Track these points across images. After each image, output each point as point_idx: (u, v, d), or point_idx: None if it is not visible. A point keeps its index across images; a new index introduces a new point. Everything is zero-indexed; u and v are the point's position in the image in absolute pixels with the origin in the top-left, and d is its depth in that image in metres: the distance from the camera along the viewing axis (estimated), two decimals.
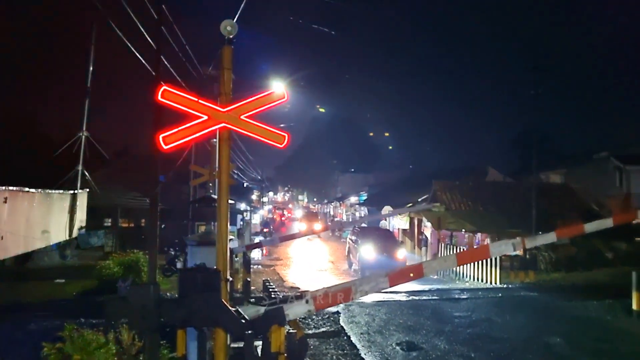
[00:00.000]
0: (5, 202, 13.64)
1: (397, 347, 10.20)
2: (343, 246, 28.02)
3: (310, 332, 10.95)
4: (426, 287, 17.92)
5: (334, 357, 9.41)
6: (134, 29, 10.04)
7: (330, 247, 33.56)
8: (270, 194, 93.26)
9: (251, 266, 16.06)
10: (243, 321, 4.58)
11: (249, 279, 12.94)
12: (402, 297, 15.47)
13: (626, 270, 14.69)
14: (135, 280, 13.73)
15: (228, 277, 5.63)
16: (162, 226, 17.37)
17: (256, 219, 44.11)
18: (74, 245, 22.54)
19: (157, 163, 11.07)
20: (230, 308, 4.71)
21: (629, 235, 21.68)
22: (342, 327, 11.65)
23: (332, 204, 72.82)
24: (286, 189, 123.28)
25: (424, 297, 15.75)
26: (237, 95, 5.96)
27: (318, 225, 43.09)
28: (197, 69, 15.34)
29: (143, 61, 10.81)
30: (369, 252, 21.72)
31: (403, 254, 23.09)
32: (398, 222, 34.21)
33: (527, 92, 23.92)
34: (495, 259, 19.38)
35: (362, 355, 9.60)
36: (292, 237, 18.66)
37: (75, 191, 17.81)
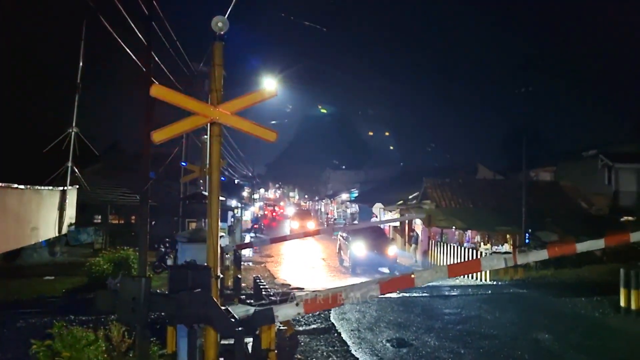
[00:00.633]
0: None
1: (388, 344, 10.24)
2: (334, 243, 28.04)
3: (300, 328, 10.97)
4: None
5: (325, 353, 9.43)
6: (124, 25, 9.98)
7: (321, 244, 33.58)
8: (262, 190, 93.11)
9: (242, 263, 16.03)
10: (232, 320, 4.58)
11: (239, 276, 12.89)
12: (393, 294, 15.52)
13: (614, 268, 14.82)
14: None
15: (219, 274, 5.62)
16: (153, 223, 17.27)
17: (247, 215, 44.03)
18: (64, 242, 22.41)
19: (147, 160, 11.02)
20: (219, 306, 4.70)
21: (617, 232, 21.84)
22: (332, 323, 11.68)
23: (324, 201, 72.82)
24: (277, 185, 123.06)
25: (415, 294, 15.81)
26: (228, 92, 5.95)
27: (312, 224, 42.62)
28: (189, 65, 15.28)
29: (134, 57, 10.75)
30: (359, 248, 21.75)
31: (394, 251, 23.15)
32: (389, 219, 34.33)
33: (518, 90, 24.02)
34: (485, 256, 19.48)
35: (353, 351, 9.63)
36: (284, 238, 18.41)
37: (65, 187, 17.66)
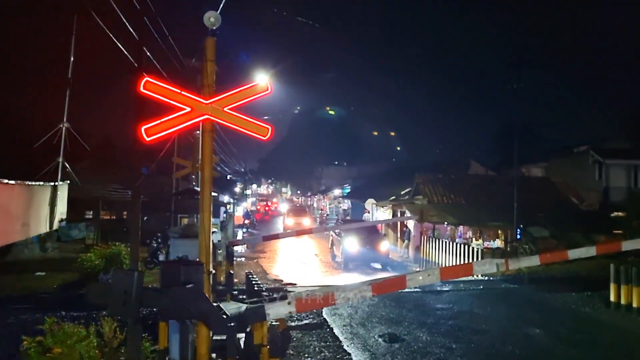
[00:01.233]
0: None
1: (380, 339, 10.29)
2: (326, 238, 28.06)
3: (293, 324, 10.99)
4: None
5: (317, 349, 9.46)
6: (116, 19, 9.92)
7: (313, 239, 33.58)
8: (254, 186, 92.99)
9: (234, 258, 16.02)
10: (224, 317, 4.58)
11: (231, 272, 12.89)
12: None
13: (604, 263, 14.93)
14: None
15: (211, 269, 5.63)
16: (144, 218, 17.22)
17: (239, 211, 43.90)
18: (55, 237, 22.28)
19: (139, 155, 10.99)
20: (211, 302, 4.71)
21: (607, 228, 22.03)
22: (324, 319, 11.70)
23: (316, 196, 72.81)
24: (269, 181, 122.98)
25: (407, 290, 15.86)
26: (220, 87, 5.94)
27: (308, 221, 41.66)
28: (180, 61, 15.21)
29: (125, 52, 10.69)
30: (352, 244, 21.78)
31: (386, 246, 23.21)
32: (381, 215, 34.39)
33: (510, 87, 24.07)
34: (478, 252, 19.58)
35: (345, 347, 9.66)
36: (276, 236, 18.32)
37: (56, 183, 17.58)
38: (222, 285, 12.19)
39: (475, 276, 19.39)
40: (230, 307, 4.79)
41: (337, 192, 57.57)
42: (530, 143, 40.24)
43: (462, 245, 20.65)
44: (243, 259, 23.30)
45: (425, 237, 23.68)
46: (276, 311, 4.70)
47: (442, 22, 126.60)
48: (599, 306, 13.61)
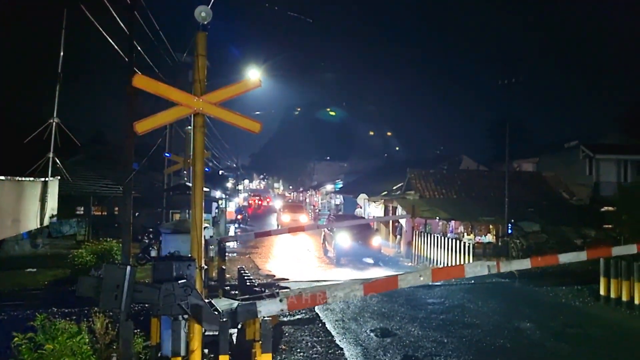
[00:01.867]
0: None
1: (372, 334, 10.33)
2: (319, 233, 28.08)
3: (285, 319, 11.00)
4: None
5: (309, 344, 9.47)
6: (107, 14, 9.86)
7: (306, 235, 33.58)
8: (246, 181, 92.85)
9: (226, 254, 16.01)
10: (216, 313, 4.58)
11: (224, 267, 12.90)
12: None
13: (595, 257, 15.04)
14: None
15: (203, 265, 5.62)
16: (136, 214, 17.17)
17: (232, 206, 43.79)
18: (46, 234, 22.17)
19: (130, 150, 10.94)
20: (203, 298, 4.71)
21: (597, 222, 22.17)
22: (317, 314, 11.73)
23: (308, 192, 72.79)
24: (262, 177, 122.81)
25: None
26: (212, 82, 5.92)
27: (304, 218, 40.69)
28: (172, 55, 15.15)
29: (116, 47, 10.63)
30: (344, 239, 21.80)
31: (378, 241, 23.24)
32: (373, 210, 34.44)
33: (502, 82, 24.14)
34: (468, 246, 19.64)
35: (337, 341, 9.69)
36: (268, 233, 18.26)
37: (47, 179, 17.46)
38: (215, 280, 12.19)
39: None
40: (223, 304, 4.79)
41: (329, 187, 57.56)
42: (522, 138, 40.49)
43: (454, 240, 20.73)
44: (235, 254, 23.29)
45: (417, 232, 23.74)
46: (268, 309, 4.71)
47: (435, 18, 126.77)
48: (589, 300, 13.74)
